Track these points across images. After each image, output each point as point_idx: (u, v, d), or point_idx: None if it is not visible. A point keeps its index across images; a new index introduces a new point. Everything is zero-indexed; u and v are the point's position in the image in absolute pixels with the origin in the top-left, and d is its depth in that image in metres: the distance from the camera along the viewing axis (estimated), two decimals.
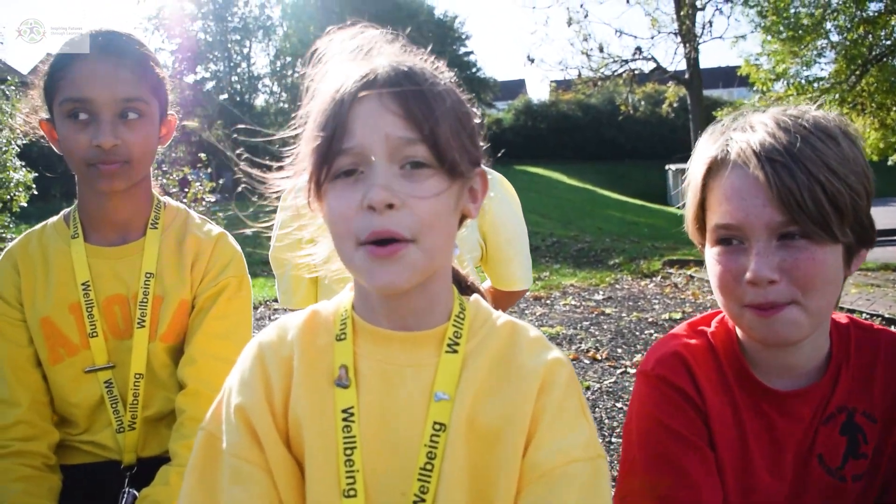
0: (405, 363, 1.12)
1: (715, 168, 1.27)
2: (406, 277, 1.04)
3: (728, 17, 16.89)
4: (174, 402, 1.82)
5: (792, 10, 14.48)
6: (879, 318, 7.64)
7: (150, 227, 1.89)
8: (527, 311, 8.52)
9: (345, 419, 1.09)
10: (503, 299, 2.62)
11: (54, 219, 1.94)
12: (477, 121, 1.16)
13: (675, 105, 18.37)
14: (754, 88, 15.19)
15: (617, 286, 10.30)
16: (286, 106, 35.72)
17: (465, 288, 1.28)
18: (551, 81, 37.13)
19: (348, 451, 1.07)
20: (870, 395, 1.35)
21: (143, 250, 1.86)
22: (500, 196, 2.39)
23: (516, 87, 51.88)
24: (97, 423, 1.83)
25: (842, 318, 1.43)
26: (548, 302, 9.18)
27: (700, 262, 12.63)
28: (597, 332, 7.32)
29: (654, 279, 10.75)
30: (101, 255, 1.85)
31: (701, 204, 1.30)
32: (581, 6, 17.58)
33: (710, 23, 16.38)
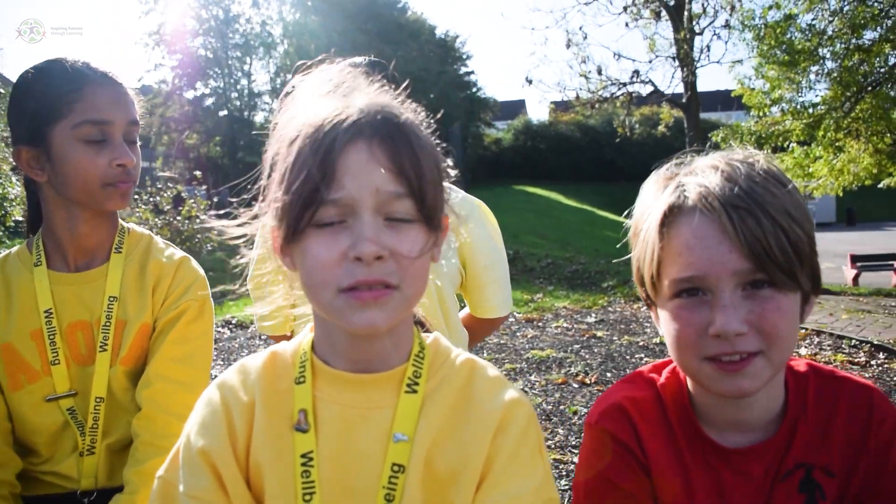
0: (365, 405, 1.12)
1: (671, 216, 1.20)
2: (386, 319, 1.04)
3: (726, 42, 16.93)
4: None
5: (788, 36, 14.56)
6: (868, 345, 7.65)
7: (114, 252, 1.90)
8: (518, 334, 8.51)
9: (304, 464, 1.08)
10: (481, 327, 2.59)
11: (17, 247, 1.94)
12: (447, 166, 1.16)
13: (670, 125, 18.41)
14: (750, 113, 15.26)
15: (609, 309, 10.29)
16: None
17: (421, 326, 1.27)
18: (551, 102, 37.22)
19: (307, 497, 1.07)
20: (828, 450, 1.29)
21: (106, 275, 1.87)
22: (479, 222, 2.37)
23: (516, 107, 52.00)
24: (59, 451, 1.82)
25: (801, 365, 1.36)
26: (540, 324, 9.17)
27: None
28: (587, 356, 7.31)
29: None
30: (64, 281, 1.85)
31: (656, 256, 1.22)
32: (580, 29, 17.66)
33: (709, 47, 16.46)
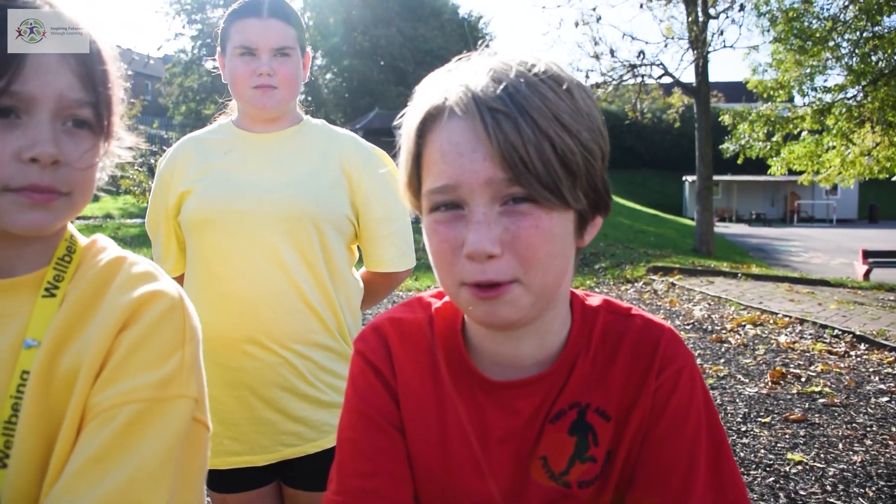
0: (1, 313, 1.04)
1: (431, 119, 1.05)
2: (52, 222, 1.01)
3: (740, 27, 16.59)
4: None
5: (805, 23, 14.25)
6: (850, 335, 7.44)
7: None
8: None
9: None
10: (378, 282, 2.48)
11: None
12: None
13: (681, 110, 18.14)
14: (754, 97, 15.00)
15: (595, 290, 10.12)
16: (307, 98, 35.93)
17: None
18: None
19: None
20: (606, 389, 1.15)
21: None
22: (376, 173, 2.27)
23: None
24: None
25: (596, 300, 1.21)
26: None
27: (684, 270, 12.42)
28: None
29: (635, 285, 10.55)
30: None
31: (416, 161, 1.08)
32: (594, 10, 17.33)
33: (721, 31, 16.12)
